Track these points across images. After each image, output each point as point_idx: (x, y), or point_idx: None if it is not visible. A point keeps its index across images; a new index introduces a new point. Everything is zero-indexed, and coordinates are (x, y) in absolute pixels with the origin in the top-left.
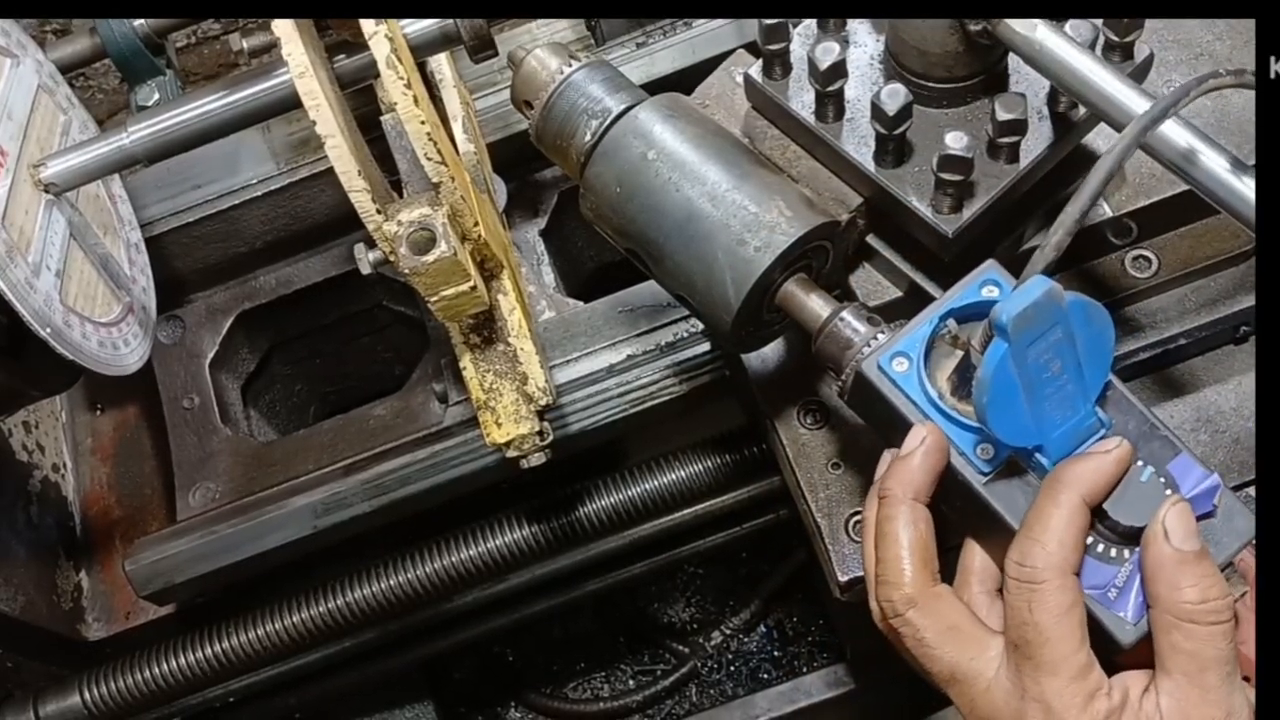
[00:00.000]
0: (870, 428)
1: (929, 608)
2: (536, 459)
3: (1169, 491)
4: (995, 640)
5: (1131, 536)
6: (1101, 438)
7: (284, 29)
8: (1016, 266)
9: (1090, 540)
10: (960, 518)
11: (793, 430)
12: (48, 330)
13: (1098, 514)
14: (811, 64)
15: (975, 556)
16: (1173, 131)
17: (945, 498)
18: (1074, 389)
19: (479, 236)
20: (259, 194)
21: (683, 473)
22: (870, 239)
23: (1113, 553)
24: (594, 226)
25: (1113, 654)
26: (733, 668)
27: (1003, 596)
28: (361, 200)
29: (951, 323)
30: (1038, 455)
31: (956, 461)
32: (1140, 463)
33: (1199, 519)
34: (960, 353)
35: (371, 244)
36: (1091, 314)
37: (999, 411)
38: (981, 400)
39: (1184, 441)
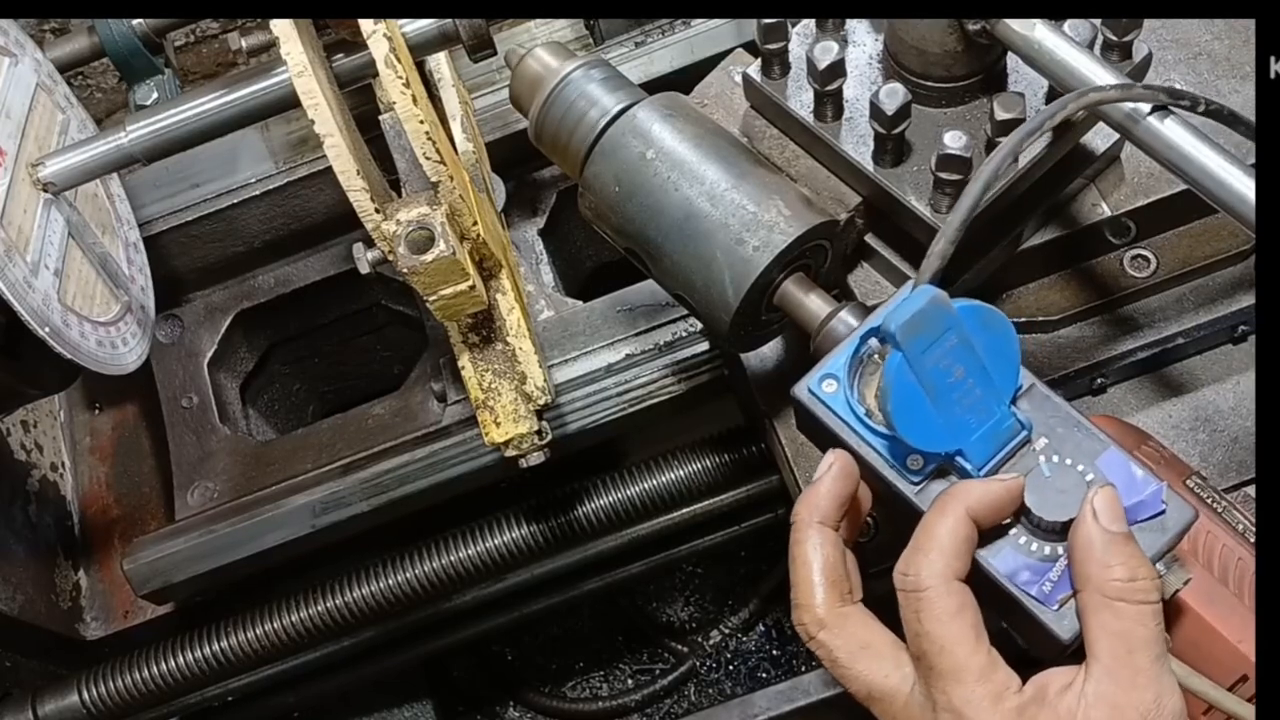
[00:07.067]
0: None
1: (839, 628)
2: (535, 458)
3: (1091, 480)
4: (909, 656)
5: (1059, 532)
6: (1025, 438)
7: (282, 28)
8: (1014, 267)
9: (1023, 540)
10: (911, 531)
11: (791, 430)
12: (46, 329)
13: (1024, 513)
14: (810, 63)
15: None
16: (1172, 130)
17: (892, 512)
18: (984, 392)
19: (477, 236)
20: (257, 193)
21: (681, 472)
22: (869, 238)
23: (1046, 550)
24: (593, 226)
25: (1054, 654)
26: (731, 666)
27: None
28: (360, 199)
29: (874, 342)
30: (959, 460)
31: (889, 474)
32: (1063, 459)
33: (1145, 520)
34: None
35: (370, 243)
36: (986, 318)
37: (904, 417)
38: (886, 408)
39: (1111, 437)
